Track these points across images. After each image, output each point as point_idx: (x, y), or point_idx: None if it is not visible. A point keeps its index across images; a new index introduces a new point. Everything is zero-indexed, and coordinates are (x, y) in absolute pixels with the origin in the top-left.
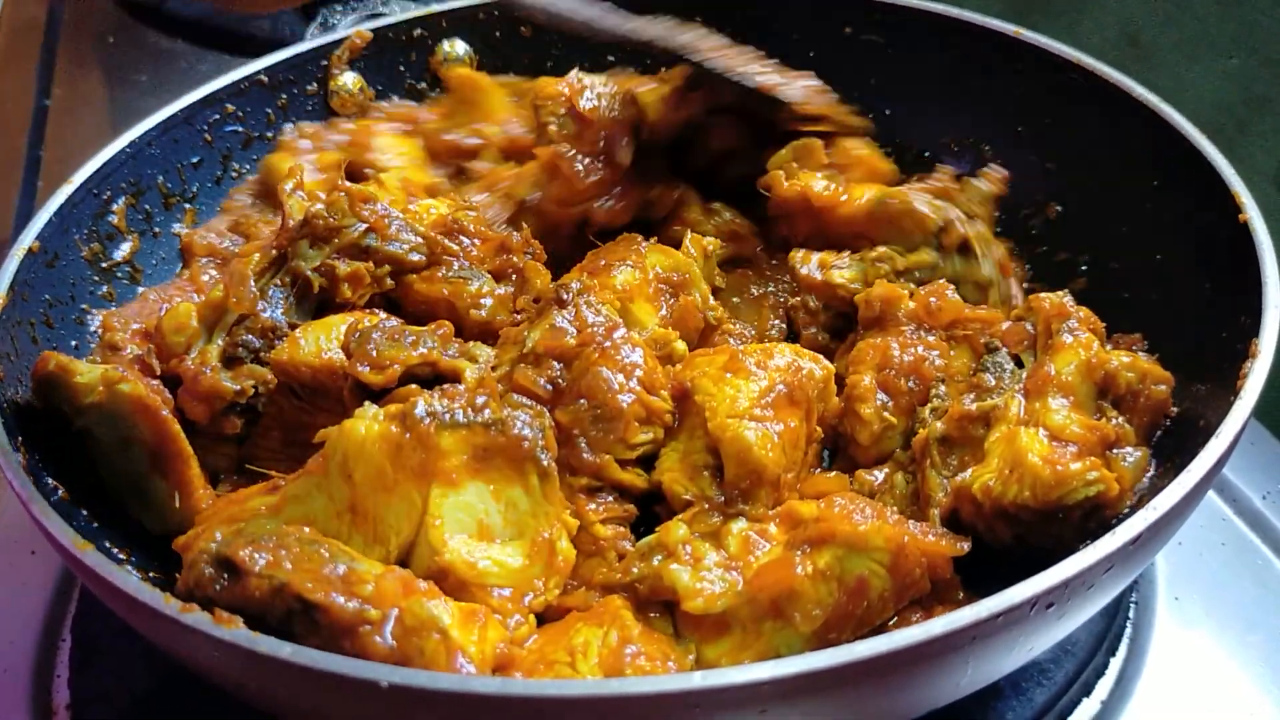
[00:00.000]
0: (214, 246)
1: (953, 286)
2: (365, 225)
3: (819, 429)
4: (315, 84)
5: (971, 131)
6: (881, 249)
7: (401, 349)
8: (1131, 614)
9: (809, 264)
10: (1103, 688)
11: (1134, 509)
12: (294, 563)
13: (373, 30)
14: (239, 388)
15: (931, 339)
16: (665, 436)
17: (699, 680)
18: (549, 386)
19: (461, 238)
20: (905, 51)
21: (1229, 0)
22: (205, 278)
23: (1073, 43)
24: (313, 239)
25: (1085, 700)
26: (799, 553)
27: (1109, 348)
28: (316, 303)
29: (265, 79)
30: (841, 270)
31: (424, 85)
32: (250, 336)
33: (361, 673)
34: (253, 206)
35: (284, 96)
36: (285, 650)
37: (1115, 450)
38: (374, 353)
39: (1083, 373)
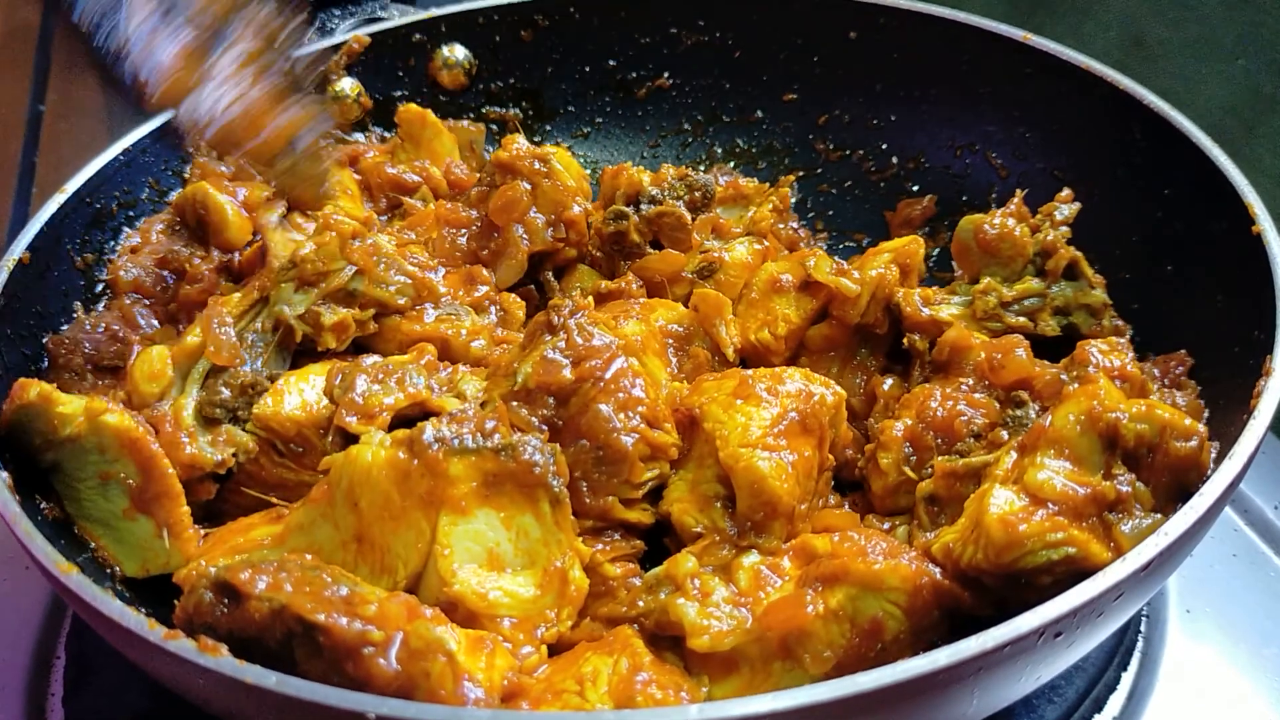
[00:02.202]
0: (140, 282)
1: (1027, 344)
2: (355, 268)
3: (831, 457)
4: (312, 89)
5: (978, 138)
6: (986, 280)
7: (389, 390)
8: (1143, 628)
9: (913, 301)
10: (1115, 703)
11: None
12: (295, 585)
13: (371, 35)
14: (220, 458)
15: (979, 397)
16: (673, 465)
17: (695, 713)
18: (544, 427)
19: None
20: (910, 57)
21: (1235, 1)
22: (138, 313)
23: (1076, 44)
24: (299, 283)
25: (1097, 716)
26: (810, 591)
27: (1153, 381)
28: (296, 350)
29: None
30: (946, 306)
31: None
32: (227, 393)
33: (348, 703)
34: (170, 237)
35: None
36: (270, 679)
37: (1115, 513)
38: (360, 400)
39: (1084, 425)
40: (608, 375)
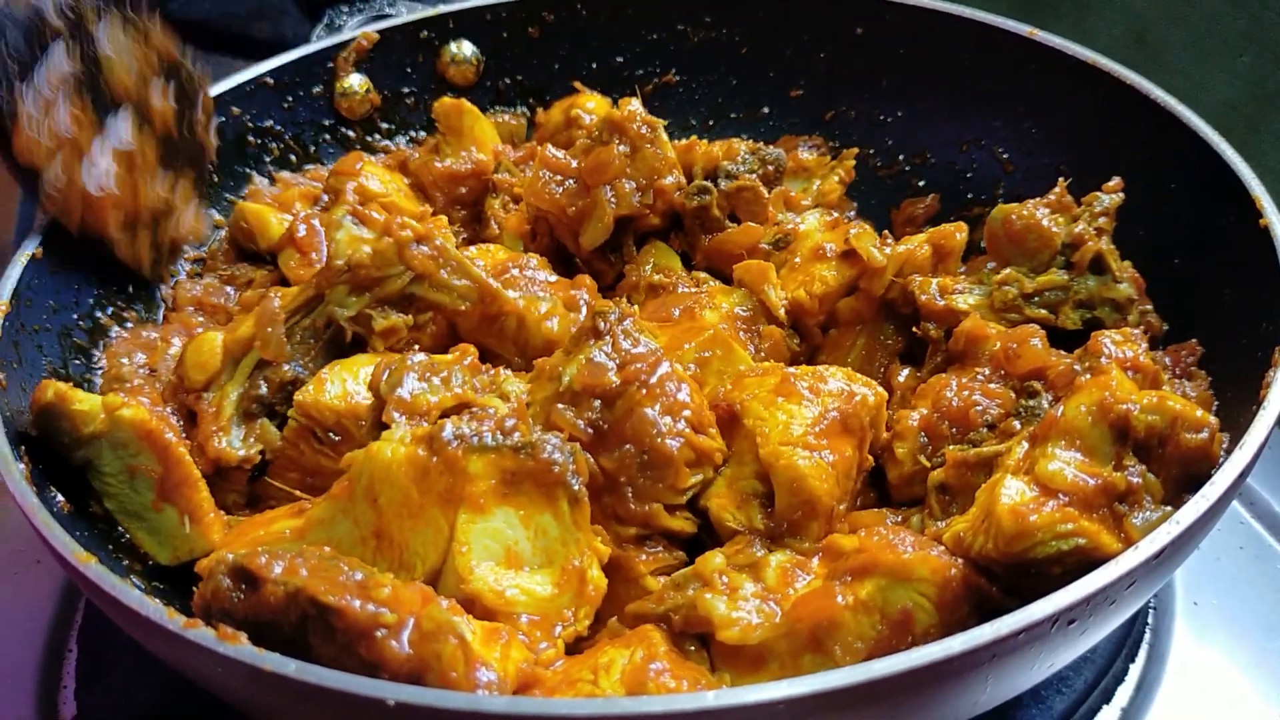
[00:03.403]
0: (199, 298)
1: (1043, 334)
2: (413, 274)
3: (870, 458)
4: (321, 86)
5: (983, 133)
6: (1007, 271)
7: (435, 390)
8: (1150, 620)
9: (929, 289)
10: (1123, 694)
11: None
12: (310, 571)
13: (379, 32)
14: (245, 454)
15: (995, 387)
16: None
17: (712, 700)
18: (589, 430)
19: (532, 274)
20: (917, 52)
21: None
22: (198, 321)
23: (1080, 41)
24: (353, 285)
25: (1105, 707)
26: (839, 583)
27: (1167, 376)
28: (348, 345)
29: (270, 81)
30: (964, 295)
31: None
32: (265, 389)
33: (367, 690)
34: (228, 263)
35: (290, 99)
36: (290, 667)
37: (1125, 504)
38: (409, 398)
39: (1095, 415)
40: (653, 379)
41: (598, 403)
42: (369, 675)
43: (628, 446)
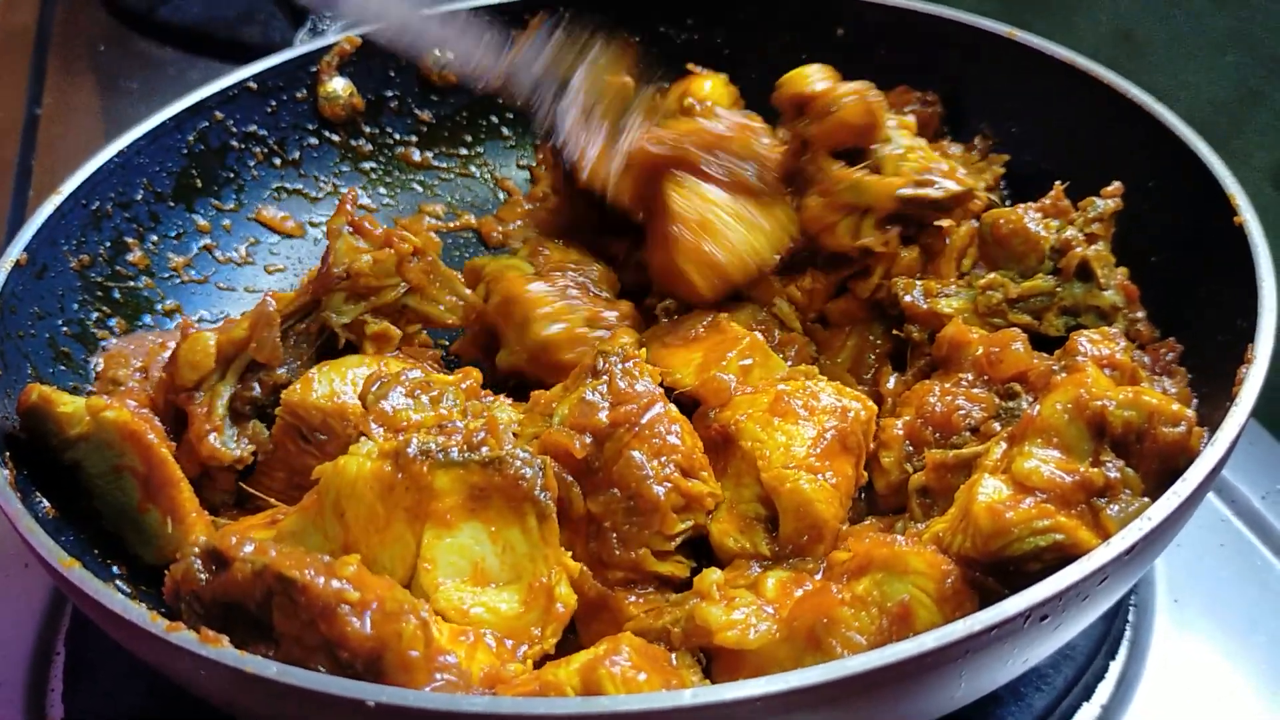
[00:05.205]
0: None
1: (1024, 338)
2: (408, 286)
3: (864, 474)
4: (305, 90)
5: (964, 133)
6: (993, 275)
7: (420, 408)
8: (1131, 617)
9: (913, 292)
10: (1103, 692)
11: None
12: (279, 552)
13: (361, 36)
14: (239, 454)
15: (979, 391)
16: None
17: (689, 698)
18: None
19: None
20: (898, 53)
21: None
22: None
23: (1066, 40)
24: (350, 293)
25: (1085, 705)
26: (836, 584)
27: (1144, 369)
28: (340, 350)
29: (254, 85)
30: (949, 299)
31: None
32: (258, 390)
33: (348, 692)
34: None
35: (274, 103)
36: (271, 669)
37: (1103, 499)
38: (390, 412)
39: (1072, 413)
40: (644, 420)
41: (590, 439)
42: (328, 654)
43: (614, 491)
